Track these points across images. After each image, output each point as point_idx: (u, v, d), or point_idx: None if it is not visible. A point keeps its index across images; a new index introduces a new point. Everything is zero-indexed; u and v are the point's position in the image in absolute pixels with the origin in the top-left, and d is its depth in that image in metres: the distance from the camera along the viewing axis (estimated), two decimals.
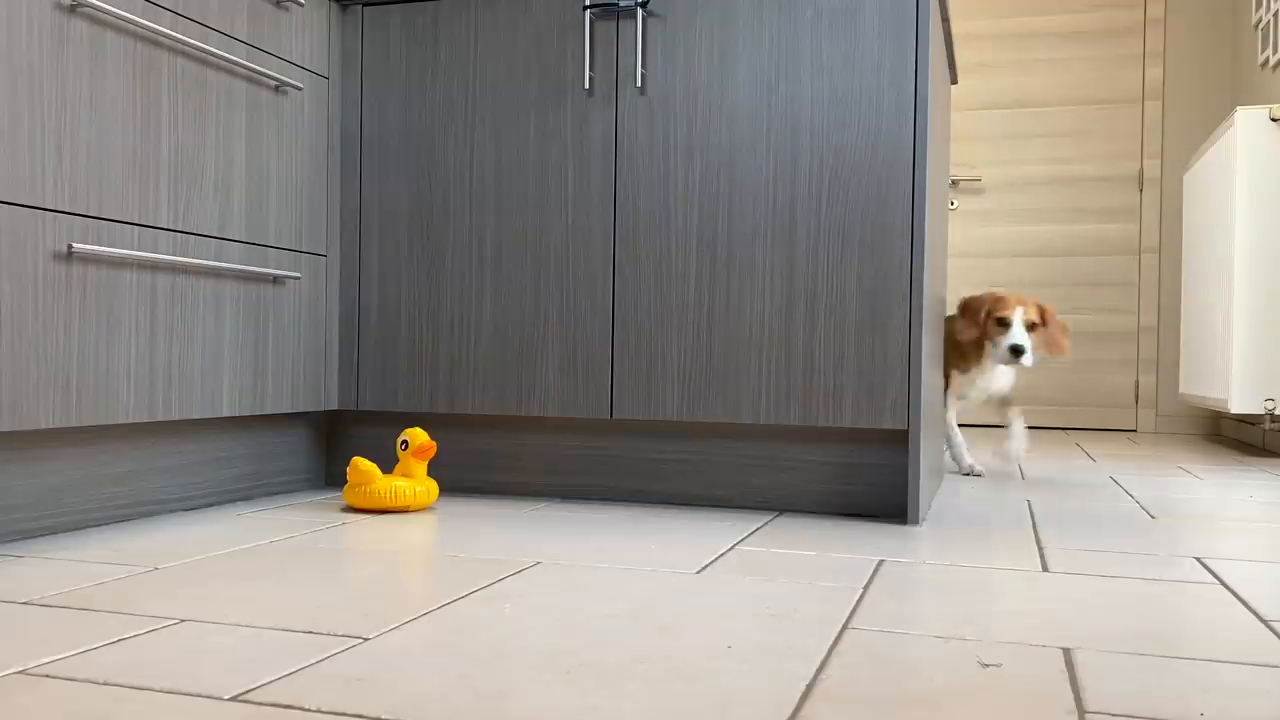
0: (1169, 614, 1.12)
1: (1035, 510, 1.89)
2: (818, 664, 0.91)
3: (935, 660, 0.93)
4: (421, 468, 1.76)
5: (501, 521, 1.66)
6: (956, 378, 2.53)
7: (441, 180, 1.93)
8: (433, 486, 1.77)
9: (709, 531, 1.59)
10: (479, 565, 1.32)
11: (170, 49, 1.59)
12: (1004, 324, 2.40)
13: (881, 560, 1.39)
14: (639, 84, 1.81)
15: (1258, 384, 3.02)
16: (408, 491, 1.73)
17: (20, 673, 0.86)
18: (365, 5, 1.96)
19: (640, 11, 1.79)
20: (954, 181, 4.50)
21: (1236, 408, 3.03)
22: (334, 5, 1.96)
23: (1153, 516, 1.84)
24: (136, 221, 1.54)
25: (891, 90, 1.70)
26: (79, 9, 1.44)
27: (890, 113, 1.70)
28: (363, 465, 1.73)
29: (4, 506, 1.43)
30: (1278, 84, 3.54)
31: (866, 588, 1.22)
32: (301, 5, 1.86)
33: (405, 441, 1.77)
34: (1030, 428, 4.39)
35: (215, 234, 1.69)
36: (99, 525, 1.57)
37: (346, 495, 1.75)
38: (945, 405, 2.52)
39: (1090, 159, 4.38)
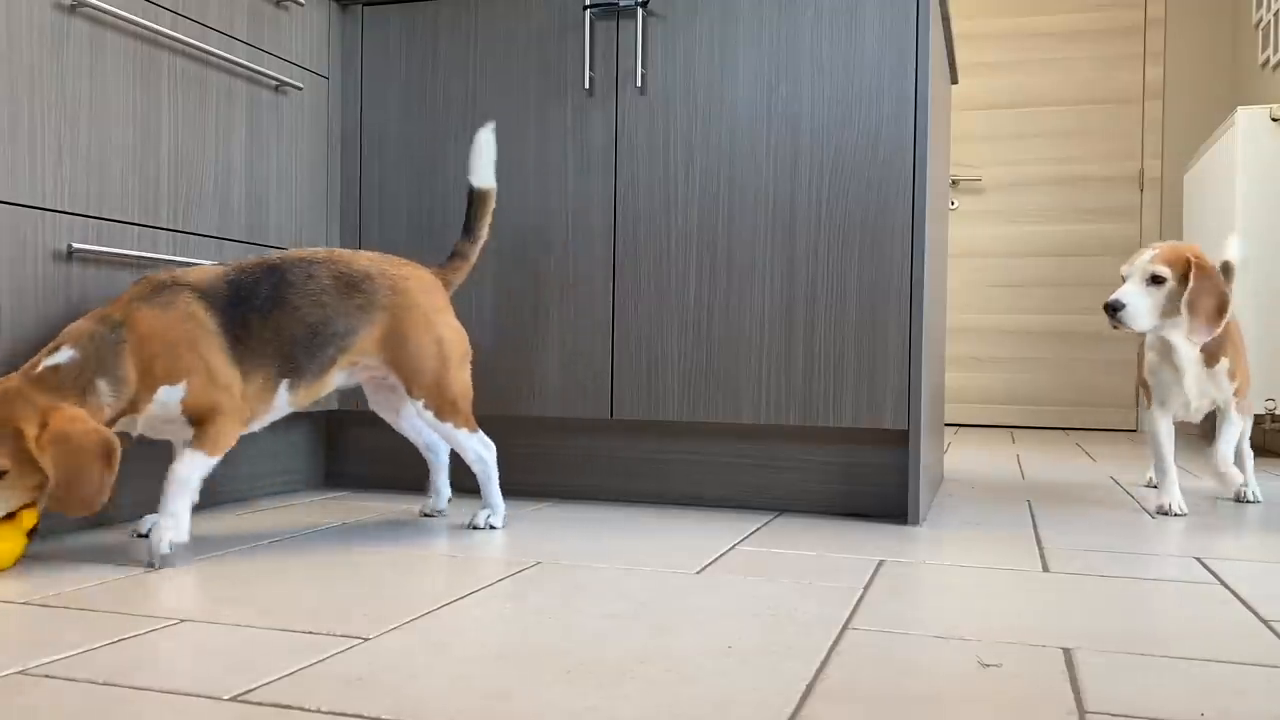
0: (1169, 614, 1.12)
1: (1035, 510, 1.89)
2: (818, 664, 0.91)
3: (935, 660, 0.93)
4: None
5: None
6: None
7: (441, 180, 1.92)
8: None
9: (709, 531, 1.59)
10: (478, 565, 1.32)
11: (170, 49, 1.59)
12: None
13: (881, 560, 1.39)
14: (639, 84, 1.80)
15: (1258, 384, 3.01)
16: None
17: (20, 673, 0.86)
18: (365, 5, 1.96)
19: (640, 11, 1.79)
20: (954, 181, 4.50)
21: None
22: (334, 5, 1.96)
23: (1153, 516, 1.84)
24: (136, 221, 1.54)
25: (891, 90, 1.70)
26: (79, 9, 1.44)
27: (890, 113, 1.70)
28: None
29: None
30: (1278, 84, 3.54)
31: (866, 588, 1.22)
32: (301, 5, 1.86)
33: None
34: (1030, 428, 4.39)
35: (215, 234, 1.69)
36: (98, 525, 1.57)
37: None
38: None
39: (1090, 159, 4.38)
